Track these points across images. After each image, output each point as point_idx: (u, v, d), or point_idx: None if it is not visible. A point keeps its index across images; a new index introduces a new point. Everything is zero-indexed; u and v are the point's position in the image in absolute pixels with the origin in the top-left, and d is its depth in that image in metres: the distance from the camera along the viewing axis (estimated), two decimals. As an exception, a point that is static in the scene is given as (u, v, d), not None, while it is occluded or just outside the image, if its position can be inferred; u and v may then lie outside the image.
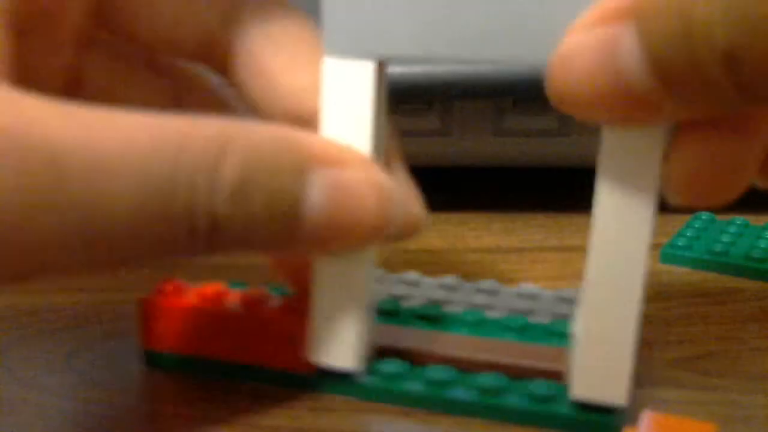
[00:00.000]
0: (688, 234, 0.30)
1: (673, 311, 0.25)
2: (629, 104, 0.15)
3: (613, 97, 0.15)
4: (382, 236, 0.18)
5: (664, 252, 0.29)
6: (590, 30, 0.15)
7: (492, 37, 0.16)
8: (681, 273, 0.28)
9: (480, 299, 0.23)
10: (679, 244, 0.29)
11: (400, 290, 0.24)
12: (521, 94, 0.30)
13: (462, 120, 0.33)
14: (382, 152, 0.19)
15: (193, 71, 0.22)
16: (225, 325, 0.21)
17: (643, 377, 0.21)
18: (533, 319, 0.22)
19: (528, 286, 0.24)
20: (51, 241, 0.15)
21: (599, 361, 0.18)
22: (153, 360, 0.22)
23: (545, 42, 0.16)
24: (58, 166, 0.14)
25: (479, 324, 0.21)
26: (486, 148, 0.33)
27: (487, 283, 0.24)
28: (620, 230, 0.17)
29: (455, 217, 0.34)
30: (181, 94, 0.22)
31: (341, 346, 0.20)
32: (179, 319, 0.21)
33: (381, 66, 0.18)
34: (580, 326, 0.18)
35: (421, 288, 0.24)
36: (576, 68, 0.15)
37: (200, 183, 0.15)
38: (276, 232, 0.16)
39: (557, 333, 0.21)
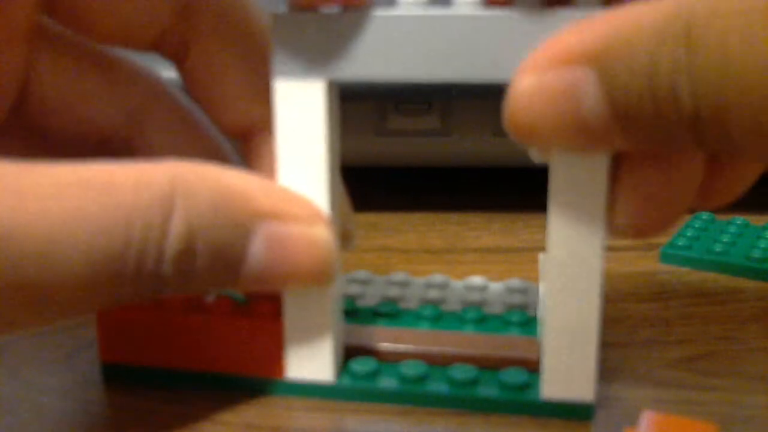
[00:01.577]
0: (688, 234, 0.30)
1: (673, 311, 0.25)
2: (585, 140, 0.16)
3: (570, 134, 0.15)
4: (323, 283, 0.19)
5: (664, 252, 0.29)
6: (547, 69, 0.15)
7: (434, 57, 0.17)
8: (681, 273, 0.28)
9: (432, 294, 0.24)
10: (679, 244, 0.29)
11: (353, 289, 0.24)
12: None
13: (462, 120, 0.33)
14: (337, 168, 0.19)
15: (155, 81, 0.22)
16: (191, 333, 0.20)
17: (643, 377, 0.21)
18: (487, 311, 0.23)
19: (475, 279, 0.25)
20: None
21: (565, 363, 0.18)
22: (110, 373, 0.21)
23: (486, 62, 0.17)
24: (8, 251, 0.15)
25: (438, 318, 0.22)
26: (486, 148, 0.33)
27: (435, 278, 0.25)
28: (574, 240, 0.17)
29: (455, 217, 0.34)
30: (141, 105, 0.22)
31: (316, 359, 0.20)
32: (136, 329, 0.20)
33: (331, 86, 0.18)
34: (544, 331, 0.18)
35: (372, 286, 0.25)
36: (535, 107, 0.15)
37: (148, 252, 0.16)
38: (216, 283, 0.18)
39: (514, 323, 0.22)
